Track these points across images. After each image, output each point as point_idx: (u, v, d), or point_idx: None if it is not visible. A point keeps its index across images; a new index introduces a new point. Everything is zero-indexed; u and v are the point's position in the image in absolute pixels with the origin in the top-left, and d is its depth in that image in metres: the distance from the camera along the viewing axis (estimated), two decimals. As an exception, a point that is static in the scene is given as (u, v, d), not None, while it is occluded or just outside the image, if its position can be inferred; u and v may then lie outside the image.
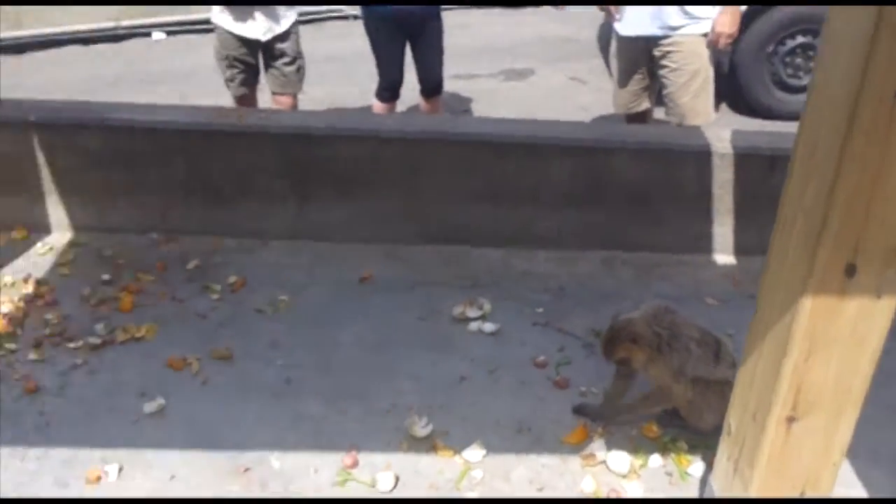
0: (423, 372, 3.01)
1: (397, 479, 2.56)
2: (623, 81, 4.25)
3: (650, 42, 4.02)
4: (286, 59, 4.38)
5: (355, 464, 2.61)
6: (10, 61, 7.18)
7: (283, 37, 4.33)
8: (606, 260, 3.69)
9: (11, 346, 3.04)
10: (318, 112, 3.77)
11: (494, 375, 3.01)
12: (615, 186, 3.61)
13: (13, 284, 3.39)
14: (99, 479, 2.51)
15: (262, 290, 3.40)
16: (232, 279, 3.44)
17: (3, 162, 3.58)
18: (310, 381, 2.94)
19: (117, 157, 3.60)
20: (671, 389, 2.60)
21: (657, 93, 4.27)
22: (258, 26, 4.25)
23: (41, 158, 3.57)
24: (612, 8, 4.08)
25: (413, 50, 4.67)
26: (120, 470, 2.55)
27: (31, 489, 2.49)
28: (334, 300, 3.38)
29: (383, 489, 2.52)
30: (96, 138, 3.57)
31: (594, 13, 4.28)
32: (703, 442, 2.67)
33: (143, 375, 2.93)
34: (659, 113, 4.40)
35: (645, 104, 4.30)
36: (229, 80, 4.45)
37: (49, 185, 3.64)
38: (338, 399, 2.86)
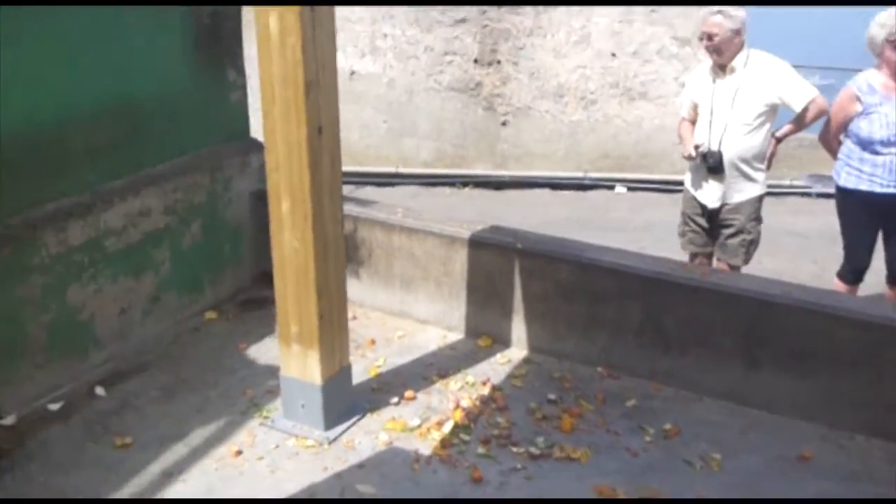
0: (857, 571, 2.80)
1: None
2: None
3: None
4: (730, 231, 4.50)
5: None
6: (490, 196, 8.27)
7: (735, 209, 4.46)
8: None
9: (465, 437, 3.45)
10: (779, 281, 3.80)
11: None
12: None
13: (473, 385, 3.85)
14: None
15: (694, 444, 3.44)
16: (667, 426, 3.53)
17: (487, 278, 4.13)
18: (731, 546, 2.90)
19: (581, 292, 3.95)
20: None
21: None
22: (709, 194, 4.49)
23: (517, 281, 4.06)
24: None
25: (885, 234, 4.50)
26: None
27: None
28: (767, 472, 3.30)
29: None
30: (567, 271, 3.96)
31: None
32: None
33: (573, 493, 3.13)
34: None
35: None
36: (681, 235, 4.79)
37: (518, 305, 4.10)
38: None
